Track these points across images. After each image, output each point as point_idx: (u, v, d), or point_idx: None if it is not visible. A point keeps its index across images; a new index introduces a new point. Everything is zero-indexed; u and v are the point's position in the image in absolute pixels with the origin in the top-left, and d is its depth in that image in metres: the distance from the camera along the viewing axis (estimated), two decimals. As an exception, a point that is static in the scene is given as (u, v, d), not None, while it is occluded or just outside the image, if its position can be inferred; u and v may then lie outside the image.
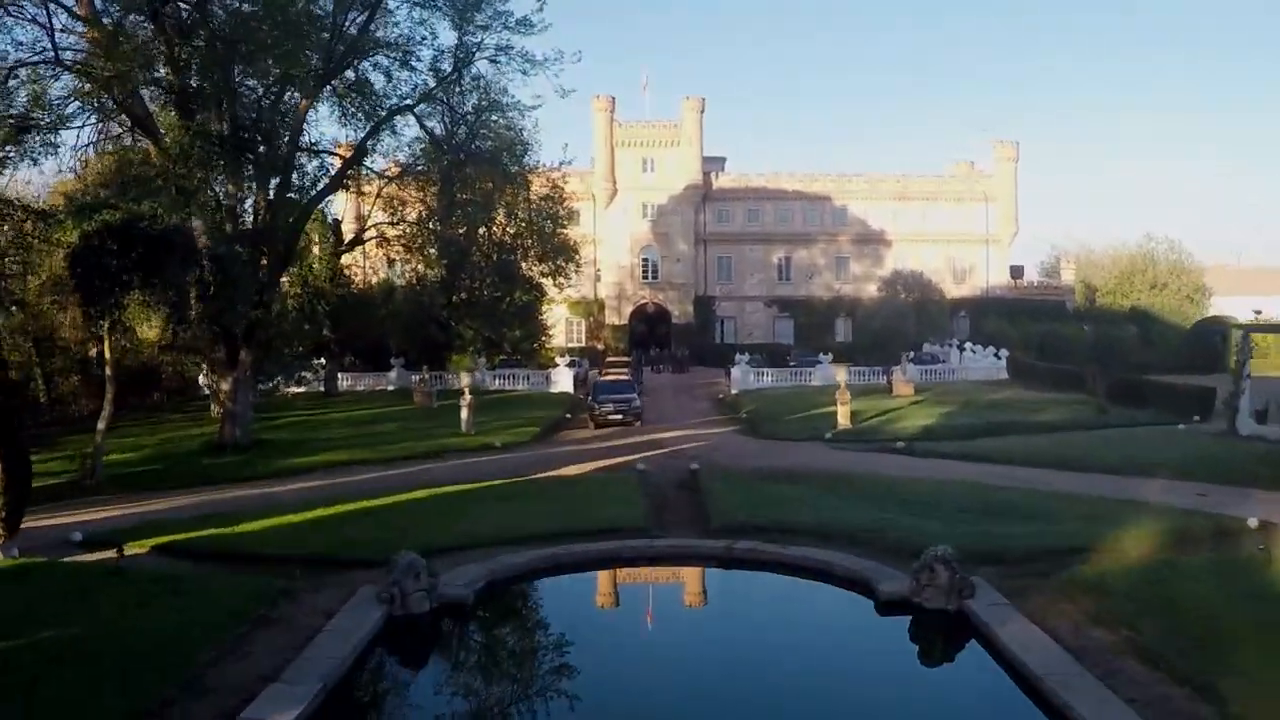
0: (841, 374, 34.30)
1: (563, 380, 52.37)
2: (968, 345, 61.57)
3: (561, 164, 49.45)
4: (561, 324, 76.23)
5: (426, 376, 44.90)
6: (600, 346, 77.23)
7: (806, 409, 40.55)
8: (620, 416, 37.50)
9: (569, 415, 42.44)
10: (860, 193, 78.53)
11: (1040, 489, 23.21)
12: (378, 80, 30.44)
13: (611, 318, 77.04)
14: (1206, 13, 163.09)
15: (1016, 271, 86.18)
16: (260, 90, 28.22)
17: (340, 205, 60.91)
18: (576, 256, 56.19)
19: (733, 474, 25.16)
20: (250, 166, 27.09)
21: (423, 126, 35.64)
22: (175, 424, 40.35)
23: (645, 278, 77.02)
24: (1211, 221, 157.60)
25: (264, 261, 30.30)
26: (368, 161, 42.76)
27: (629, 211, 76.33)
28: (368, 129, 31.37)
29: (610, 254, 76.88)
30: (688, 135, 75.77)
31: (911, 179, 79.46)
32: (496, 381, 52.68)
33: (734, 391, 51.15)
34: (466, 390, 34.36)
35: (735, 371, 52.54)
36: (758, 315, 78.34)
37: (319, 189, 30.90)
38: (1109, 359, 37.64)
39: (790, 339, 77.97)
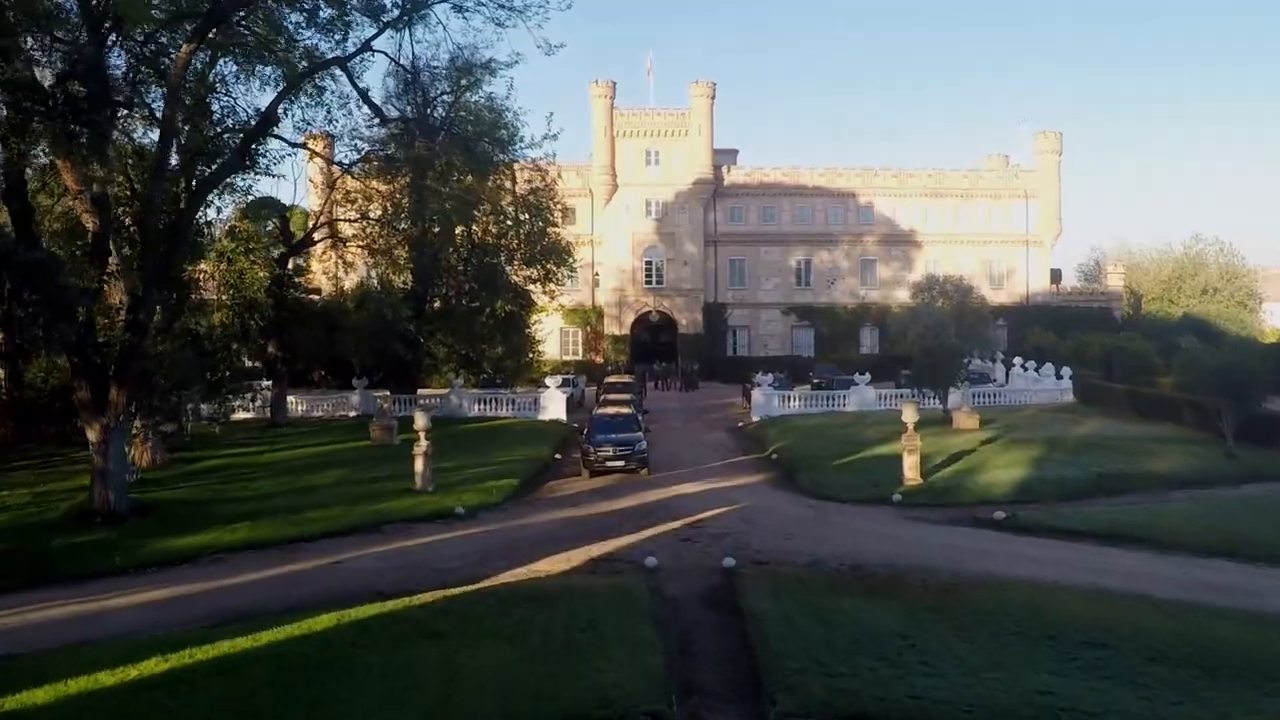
0: (910, 413, 26.48)
1: (553, 405, 44.52)
2: (1016, 361, 53.69)
3: (545, 139, 41.67)
4: (555, 335, 68.45)
5: (386, 406, 36.93)
6: (599, 359, 69.40)
7: (851, 448, 32.72)
8: (621, 464, 29.64)
9: (558, 455, 34.58)
10: (888, 189, 70.67)
11: (1257, 609, 15.42)
12: (294, 21, 22.53)
13: (611, 327, 69.20)
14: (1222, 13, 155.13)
15: (1054, 276, 78.30)
16: (82, 33, 19.99)
17: (299, 198, 53.06)
18: (570, 260, 48.35)
19: (785, 578, 17.33)
20: (84, 136, 19.19)
21: (355, 86, 27.65)
22: (73, 468, 32.48)
23: (649, 282, 69.18)
24: (1249, 222, 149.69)
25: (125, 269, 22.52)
26: (326, 149, 35.24)
27: (631, 209, 68.53)
28: (280, 90, 23.49)
29: (610, 256, 69.06)
30: (696, 124, 67.96)
31: (945, 174, 71.58)
32: (476, 407, 44.82)
33: (755, 419, 43.35)
34: (421, 435, 26.46)
35: (756, 394, 44.67)
36: (774, 324, 70.49)
37: (214, 170, 23.06)
38: (1239, 386, 29.66)
39: (810, 351, 70.12)
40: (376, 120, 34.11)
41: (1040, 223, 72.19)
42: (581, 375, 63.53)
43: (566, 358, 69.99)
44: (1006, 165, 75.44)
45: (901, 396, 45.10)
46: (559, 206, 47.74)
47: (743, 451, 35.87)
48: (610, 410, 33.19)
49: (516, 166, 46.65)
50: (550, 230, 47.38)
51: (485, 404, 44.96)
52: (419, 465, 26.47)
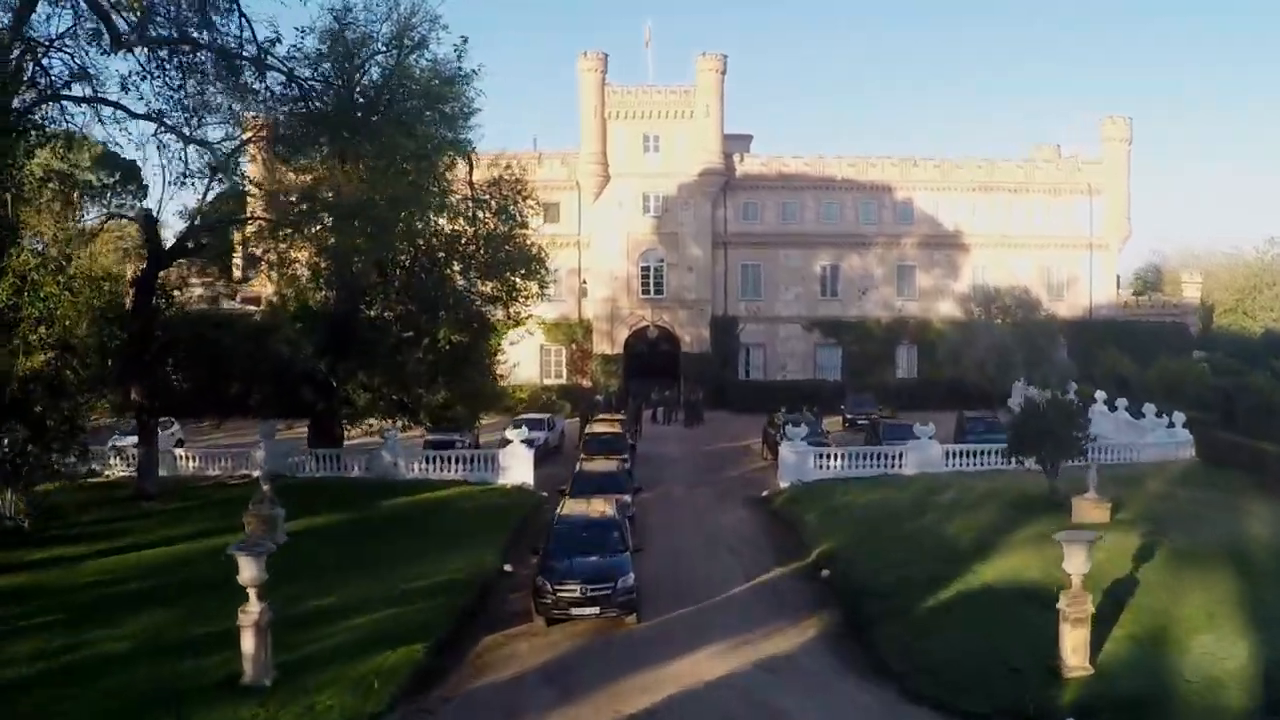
0: (1078, 559, 15.69)
1: (516, 465, 33.75)
2: (1098, 397, 42.94)
3: (458, 77, 31.57)
4: (534, 354, 57.75)
5: (267, 489, 25.82)
6: (586, 382, 58.67)
7: (941, 563, 21.97)
8: (595, 610, 18.88)
9: (507, 568, 23.80)
10: (929, 182, 59.72)
11: None
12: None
13: (602, 345, 58.39)
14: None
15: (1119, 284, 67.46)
16: None
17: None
18: (542, 271, 37.59)
19: None
20: None
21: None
22: None
23: (646, 292, 58.34)
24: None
25: None
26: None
27: (626, 205, 57.68)
28: None
29: (600, 260, 58.24)
30: (704, 104, 57.07)
31: (995, 164, 60.62)
32: (417, 467, 34.08)
33: (783, 484, 32.72)
34: (253, 594, 15.66)
35: (785, 452, 33.86)
36: (794, 342, 59.63)
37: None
38: None
39: (836, 372, 59.33)
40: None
41: (1107, 222, 61.27)
42: (563, 406, 52.87)
43: (548, 381, 59.29)
44: (1059, 156, 64.55)
45: (974, 454, 34.42)
46: (529, 201, 36.91)
47: (775, 555, 25.08)
48: (581, 511, 22.24)
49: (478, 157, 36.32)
50: (518, 233, 36.65)
51: (430, 463, 34.21)
52: (248, 644, 15.69)
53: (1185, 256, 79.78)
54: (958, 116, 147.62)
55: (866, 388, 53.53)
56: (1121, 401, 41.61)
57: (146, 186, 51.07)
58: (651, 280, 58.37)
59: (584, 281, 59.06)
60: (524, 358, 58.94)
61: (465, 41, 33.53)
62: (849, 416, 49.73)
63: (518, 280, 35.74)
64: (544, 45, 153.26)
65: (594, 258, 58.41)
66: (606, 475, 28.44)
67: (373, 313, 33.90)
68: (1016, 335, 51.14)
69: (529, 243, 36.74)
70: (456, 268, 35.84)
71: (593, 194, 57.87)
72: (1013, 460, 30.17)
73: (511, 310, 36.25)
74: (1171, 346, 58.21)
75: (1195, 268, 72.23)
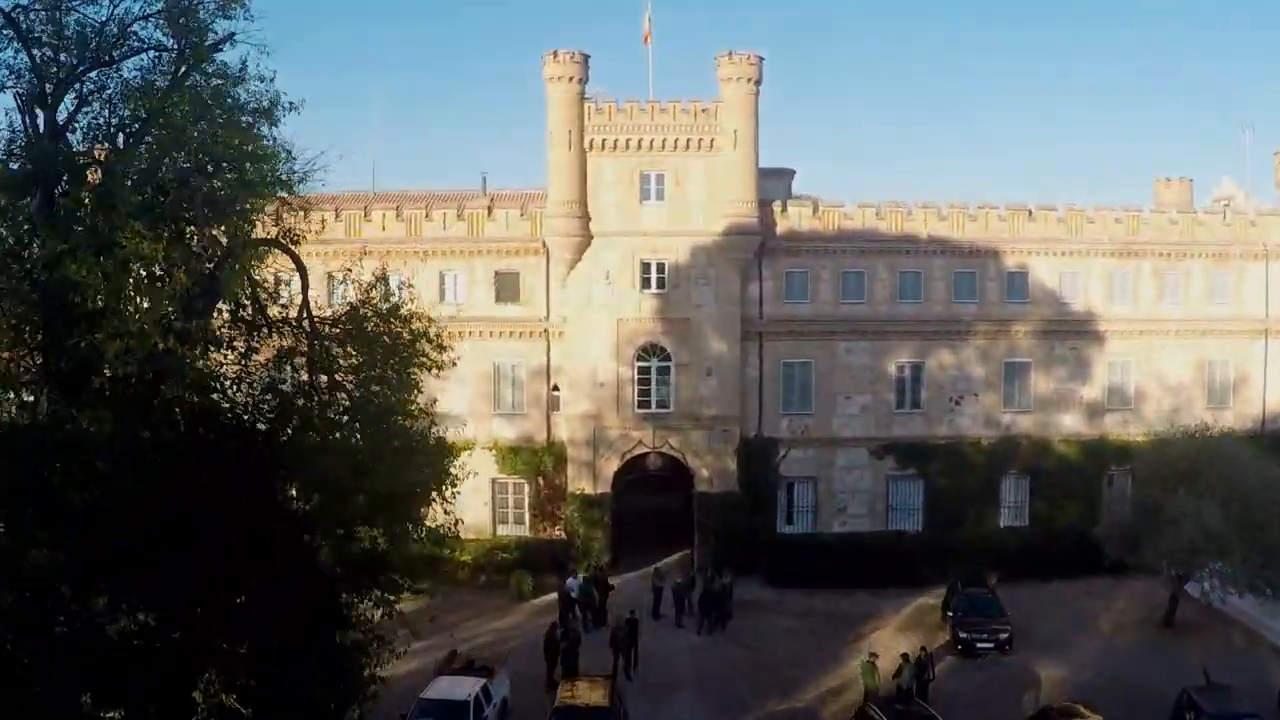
0: None
1: None
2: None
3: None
4: (483, 491, 39.48)
5: None
6: (556, 532, 40.23)
7: None
8: None
9: None
10: (1052, 242, 41.54)
11: None
12: None
13: (580, 480, 39.83)
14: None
15: None
16: None
17: None
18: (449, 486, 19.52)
19: None
20: None
21: None
22: None
23: (646, 404, 39.90)
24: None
25: None
26: None
27: (616, 277, 39.29)
28: None
29: (579, 358, 39.74)
30: (730, 127, 38.85)
31: (1142, 216, 42.65)
32: None
33: None
34: None
35: None
36: (858, 474, 41.23)
37: None
38: None
39: (915, 516, 41.20)
40: None
41: (1288, 298, 43.49)
42: (523, 581, 34.62)
43: (504, 531, 40.83)
44: (1225, 207, 46.70)
45: None
46: (423, 348, 18.97)
47: None
48: None
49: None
50: (408, 410, 18.47)
51: None
52: None
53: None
54: (1054, 154, 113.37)
55: (974, 578, 35.14)
56: None
57: None
58: (653, 387, 39.84)
59: (555, 388, 40.49)
60: (468, 497, 40.66)
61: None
62: (964, 637, 31.79)
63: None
64: (501, 41, 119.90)
65: (569, 353, 39.88)
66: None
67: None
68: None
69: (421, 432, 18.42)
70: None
71: (567, 260, 39.37)
72: None
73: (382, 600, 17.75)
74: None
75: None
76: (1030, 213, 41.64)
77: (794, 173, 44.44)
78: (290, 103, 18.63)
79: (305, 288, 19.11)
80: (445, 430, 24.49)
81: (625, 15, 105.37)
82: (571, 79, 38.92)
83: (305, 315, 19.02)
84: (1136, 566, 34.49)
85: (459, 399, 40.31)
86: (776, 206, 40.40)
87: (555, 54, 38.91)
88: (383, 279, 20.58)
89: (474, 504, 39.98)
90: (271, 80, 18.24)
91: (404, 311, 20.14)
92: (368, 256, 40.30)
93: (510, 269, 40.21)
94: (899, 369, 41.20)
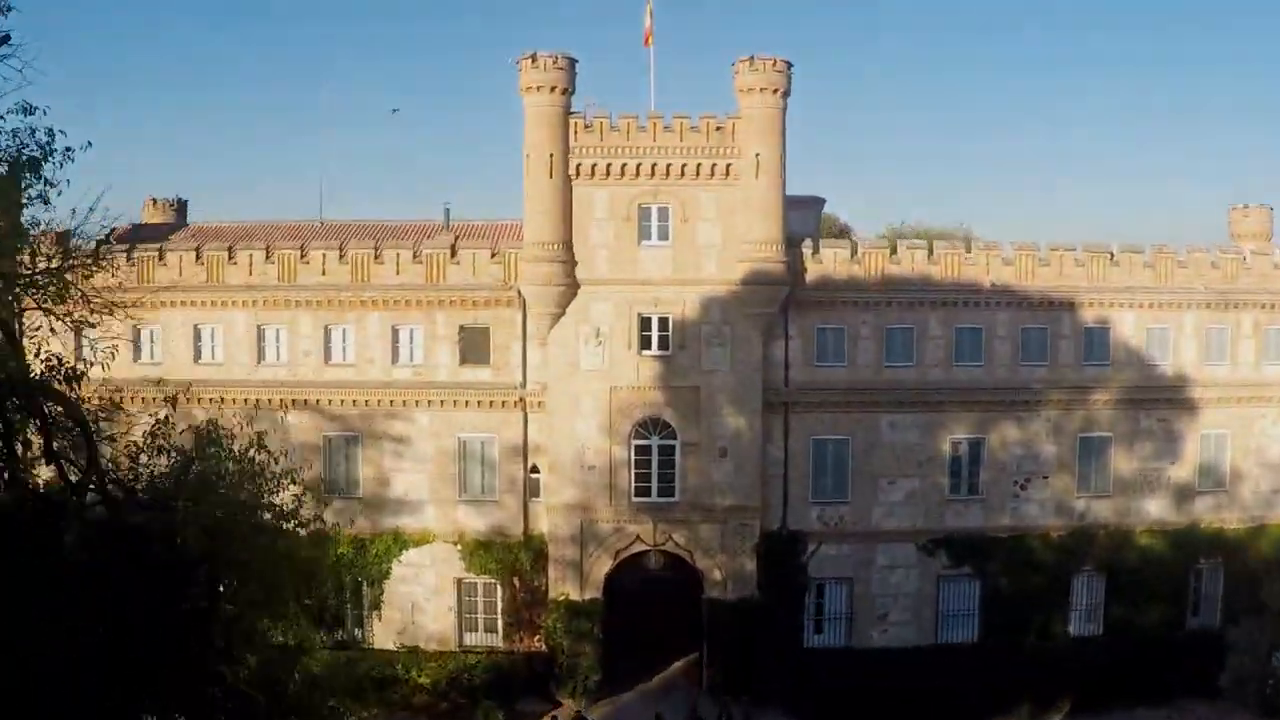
0: None
1: None
2: None
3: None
4: (446, 591, 32.33)
5: None
6: (534, 645, 32.77)
7: None
8: None
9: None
10: (1138, 292, 34.14)
11: None
12: None
13: (564, 583, 32.36)
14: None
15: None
16: None
17: None
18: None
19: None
20: None
21: None
22: None
23: (645, 492, 32.41)
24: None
25: None
26: None
27: (610, 333, 31.77)
28: None
29: (563, 434, 32.20)
30: (751, 150, 31.35)
31: (1246, 262, 35.35)
32: None
33: None
34: None
35: None
36: (902, 574, 33.87)
37: None
38: None
39: (971, 625, 34.03)
40: None
41: None
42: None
43: (471, 640, 33.38)
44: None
45: None
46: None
47: None
48: None
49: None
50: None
51: None
52: None
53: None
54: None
55: (1040, 669, 28.06)
56: None
57: None
58: (654, 471, 32.33)
59: (533, 470, 32.96)
60: (429, 600, 33.65)
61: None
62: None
63: None
64: (476, 45, 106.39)
65: (551, 428, 32.32)
66: None
67: None
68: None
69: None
70: None
71: (547, 314, 31.78)
72: None
73: None
74: None
75: None
76: (1112, 255, 34.29)
77: (823, 202, 37.06)
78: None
79: (92, 458, 12.27)
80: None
81: (621, 19, 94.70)
82: (554, 89, 31.32)
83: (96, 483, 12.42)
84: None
85: (416, 481, 33.10)
86: (806, 248, 32.89)
87: (534, 58, 31.27)
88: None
89: (436, 608, 33.06)
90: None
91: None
92: (303, 308, 33.24)
93: (478, 323, 32.62)
94: (954, 446, 33.77)
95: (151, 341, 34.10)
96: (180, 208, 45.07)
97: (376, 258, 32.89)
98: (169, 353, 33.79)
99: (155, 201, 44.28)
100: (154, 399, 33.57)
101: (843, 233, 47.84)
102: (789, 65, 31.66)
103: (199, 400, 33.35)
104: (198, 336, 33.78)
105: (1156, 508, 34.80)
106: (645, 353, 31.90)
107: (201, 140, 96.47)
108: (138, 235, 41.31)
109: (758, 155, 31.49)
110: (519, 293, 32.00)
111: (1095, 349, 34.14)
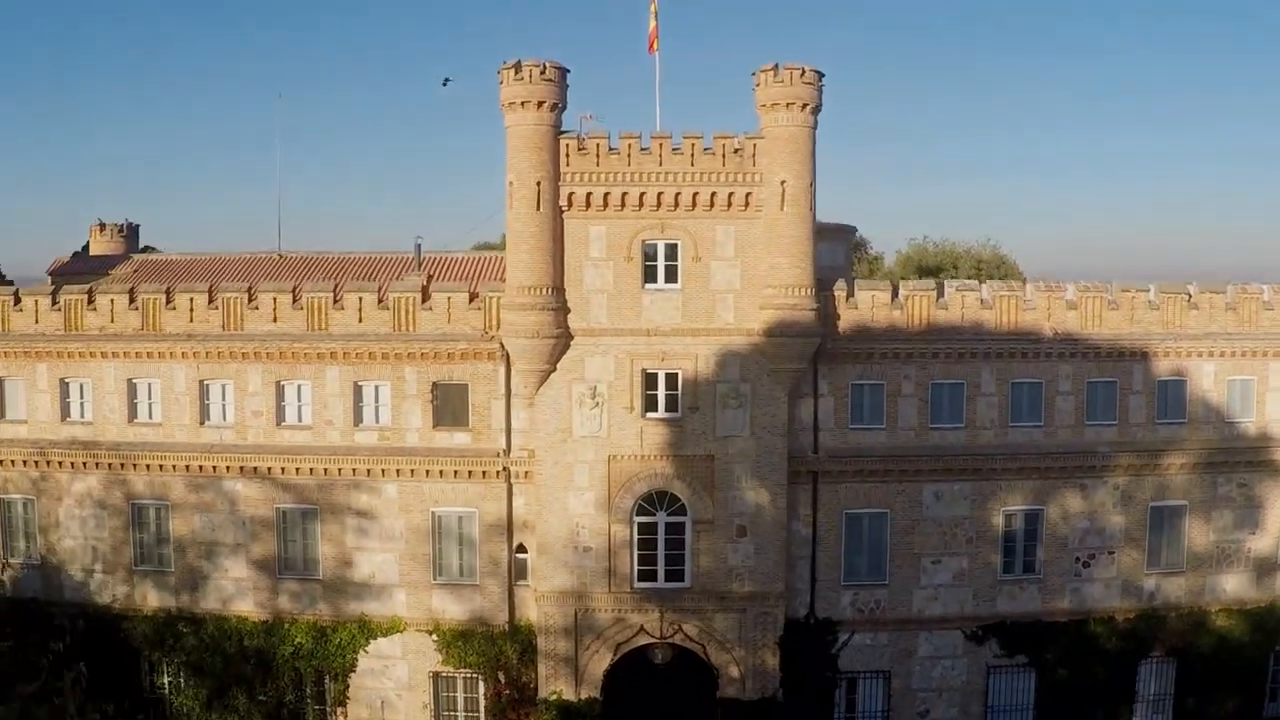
0: None
1: None
2: None
3: None
4: (421, 686, 27.79)
5: None
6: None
7: None
8: None
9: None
10: (1218, 339, 29.63)
11: None
12: None
13: (556, 679, 27.87)
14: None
15: None
16: None
17: None
18: None
19: None
20: None
21: None
22: None
23: (650, 576, 27.86)
24: None
25: None
26: None
27: (609, 393, 27.15)
28: None
29: (554, 511, 27.59)
30: (776, 175, 26.69)
31: (1338, 296, 30.85)
32: None
33: None
34: None
35: None
36: (947, 665, 29.41)
37: None
38: None
39: None
40: None
41: None
42: None
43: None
44: None
45: None
46: None
47: None
48: None
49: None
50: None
51: None
52: None
53: None
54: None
55: None
56: None
57: None
58: (661, 552, 27.75)
59: (519, 551, 28.38)
60: (401, 697, 29.13)
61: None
62: None
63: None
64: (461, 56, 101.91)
65: (540, 502, 27.68)
66: None
67: None
68: None
69: None
70: None
71: (536, 371, 27.10)
72: None
73: None
74: None
75: None
76: (1189, 297, 29.67)
77: (854, 230, 32.37)
78: None
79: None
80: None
81: (619, 24, 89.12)
82: (542, 104, 26.54)
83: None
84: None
85: (384, 561, 28.58)
86: (839, 290, 28.20)
87: (518, 68, 26.46)
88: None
89: (409, 706, 28.59)
90: None
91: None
92: (250, 360, 28.57)
93: (454, 379, 27.91)
94: (1008, 520, 29.18)
95: (81, 397, 29.53)
96: (131, 233, 40.71)
97: (336, 303, 28.17)
98: (100, 412, 29.17)
99: (103, 227, 39.86)
100: (84, 464, 29.46)
101: (857, 246, 43.33)
102: (819, 76, 26.89)
103: (134, 467, 28.98)
104: (133, 392, 29.10)
105: (1233, 584, 30.34)
106: (650, 415, 27.24)
107: (158, 161, 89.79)
108: (83, 266, 36.74)
109: (783, 182, 26.77)
110: (502, 345, 27.30)
111: (1170, 405, 29.54)
